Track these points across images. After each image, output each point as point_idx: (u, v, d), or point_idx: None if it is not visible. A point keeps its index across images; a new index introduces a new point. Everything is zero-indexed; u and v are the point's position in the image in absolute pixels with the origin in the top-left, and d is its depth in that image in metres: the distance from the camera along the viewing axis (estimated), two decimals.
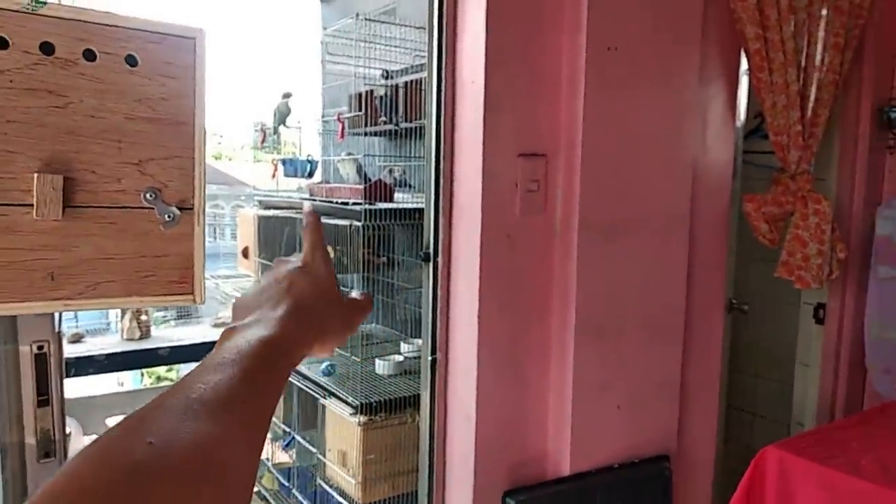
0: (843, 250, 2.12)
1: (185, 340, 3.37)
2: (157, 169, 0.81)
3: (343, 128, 3.03)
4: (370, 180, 2.70)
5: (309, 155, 3.41)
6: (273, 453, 3.11)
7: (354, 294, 0.58)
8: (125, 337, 3.28)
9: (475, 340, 1.59)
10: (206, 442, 0.34)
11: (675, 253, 1.79)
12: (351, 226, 2.58)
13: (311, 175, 3.30)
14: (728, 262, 2.00)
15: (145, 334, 3.29)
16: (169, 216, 0.80)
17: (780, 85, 1.90)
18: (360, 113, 2.97)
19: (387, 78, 2.73)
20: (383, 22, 2.81)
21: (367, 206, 2.50)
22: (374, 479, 2.43)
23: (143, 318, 3.21)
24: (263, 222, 3.21)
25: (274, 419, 3.02)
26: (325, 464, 2.69)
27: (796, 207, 2.02)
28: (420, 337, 2.75)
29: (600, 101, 1.60)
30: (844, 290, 2.29)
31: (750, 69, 1.93)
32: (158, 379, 5.17)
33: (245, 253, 3.30)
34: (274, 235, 3.21)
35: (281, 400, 2.74)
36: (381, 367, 2.74)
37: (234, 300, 0.53)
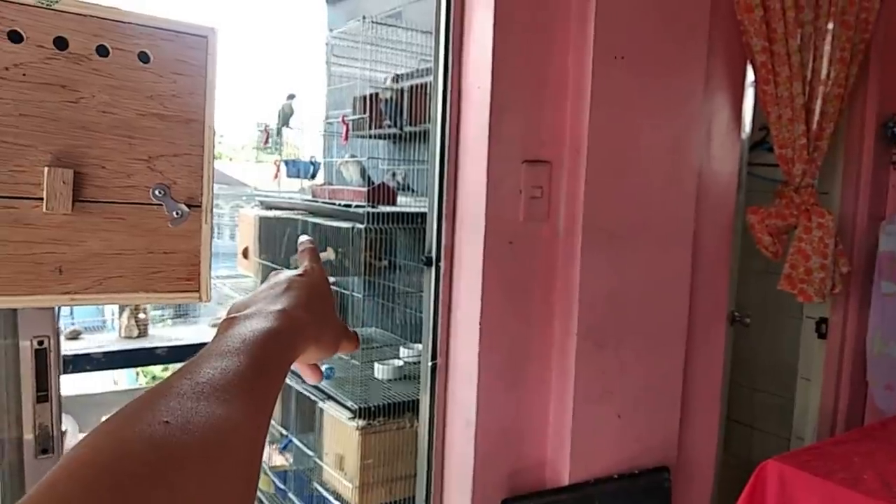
0: (846, 265, 2.12)
1: (183, 340, 3.36)
2: (166, 166, 0.80)
3: (347, 130, 3.03)
4: (373, 183, 2.70)
5: (312, 156, 3.41)
6: (270, 456, 3.10)
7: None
8: (123, 335, 3.26)
9: (476, 346, 1.59)
10: (220, 424, 0.34)
11: (677, 263, 1.79)
12: (353, 228, 2.57)
13: (313, 177, 3.30)
14: (731, 274, 2.00)
15: (143, 333, 3.27)
16: (177, 213, 0.80)
17: (786, 98, 1.91)
18: (364, 116, 2.98)
19: (395, 81, 2.74)
20: (390, 25, 2.81)
21: (369, 209, 2.49)
22: (372, 483, 2.41)
23: (142, 316, 3.19)
24: (264, 223, 3.21)
25: (271, 421, 3.00)
26: (322, 468, 2.67)
27: (800, 221, 2.02)
28: (420, 342, 2.75)
29: (606, 109, 1.60)
30: (847, 305, 2.29)
31: (756, 81, 1.93)
32: (154, 378, 5.15)
33: (245, 253, 3.30)
34: (275, 236, 3.20)
35: (278, 402, 2.73)
36: (381, 371, 2.73)
37: (231, 302, 0.54)
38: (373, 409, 2.44)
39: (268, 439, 3.09)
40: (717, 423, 2.03)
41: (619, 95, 1.62)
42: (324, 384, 2.70)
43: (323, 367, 2.76)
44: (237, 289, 3.70)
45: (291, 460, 2.97)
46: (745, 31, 1.86)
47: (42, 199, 0.76)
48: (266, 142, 3.23)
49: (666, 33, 1.69)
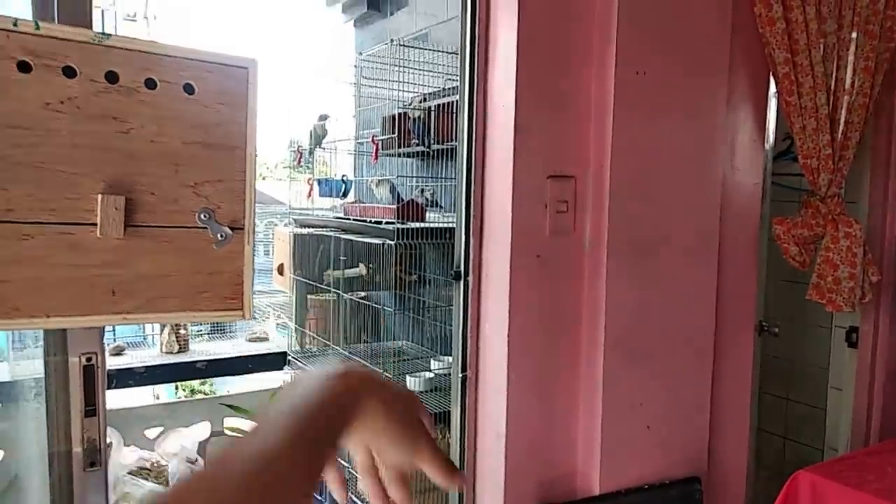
0: (876, 273, 2.10)
1: (221, 354, 3.46)
2: (210, 191, 0.86)
3: (377, 149, 3.10)
4: (402, 200, 2.75)
5: (344, 175, 3.49)
6: None
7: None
8: (164, 350, 3.37)
9: (505, 358, 1.62)
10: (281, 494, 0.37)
11: (703, 274, 1.80)
12: (384, 244, 2.63)
13: (345, 195, 3.38)
14: (758, 284, 2.00)
15: (184, 348, 3.37)
16: (221, 235, 0.86)
17: (810, 108, 1.92)
18: (393, 135, 3.05)
19: (423, 101, 2.80)
20: (416, 47, 2.88)
21: (399, 226, 2.55)
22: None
23: (182, 332, 3.30)
24: (299, 239, 3.29)
25: None
26: (356, 478, 2.72)
27: (827, 230, 2.02)
28: (449, 354, 2.79)
29: (629, 124, 1.63)
30: (878, 314, 2.26)
31: (779, 93, 1.94)
32: (192, 392, 5.26)
33: (280, 270, 3.38)
34: (309, 252, 3.28)
35: None
36: (412, 383, 2.77)
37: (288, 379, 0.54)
38: None
39: None
40: (748, 432, 2.02)
41: (642, 110, 1.65)
42: None
43: None
44: (272, 305, 3.78)
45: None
46: (766, 43, 1.88)
47: (96, 224, 0.82)
48: (299, 162, 3.32)
49: (688, 47, 1.71)
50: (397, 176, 3.11)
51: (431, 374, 2.83)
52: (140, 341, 3.90)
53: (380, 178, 3.03)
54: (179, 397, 5.20)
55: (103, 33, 0.85)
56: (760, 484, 2.18)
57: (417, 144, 2.91)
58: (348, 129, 3.59)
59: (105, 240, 0.82)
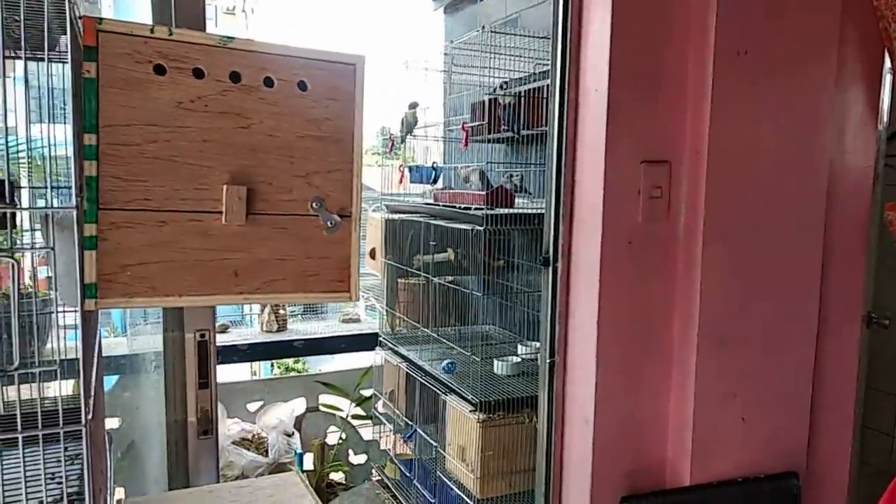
0: None
1: (317, 334, 3.64)
2: (321, 181, 0.92)
3: (467, 136, 3.14)
4: (492, 186, 2.78)
5: (434, 162, 3.55)
6: (396, 444, 3.27)
7: None
8: (264, 329, 3.58)
9: (594, 345, 1.62)
10: None
11: (806, 262, 1.73)
12: (472, 230, 2.67)
13: (435, 181, 3.44)
14: (867, 272, 1.90)
15: (282, 327, 3.57)
16: (331, 223, 0.92)
17: None
18: (483, 122, 3.07)
19: (519, 84, 2.81)
20: (507, 33, 2.88)
21: (488, 212, 2.58)
22: (492, 475, 2.50)
23: (282, 311, 3.49)
24: (390, 225, 3.39)
25: (397, 412, 3.17)
26: (444, 458, 2.80)
27: None
28: (536, 339, 2.80)
29: (728, 106, 1.58)
30: None
31: (893, 69, 1.83)
32: (287, 369, 5.53)
33: (372, 254, 3.50)
34: (399, 237, 3.38)
35: (403, 394, 2.87)
36: (499, 367, 2.81)
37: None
38: (493, 403, 2.52)
39: (393, 428, 3.27)
40: (851, 428, 1.93)
41: (743, 92, 1.60)
42: (446, 378, 2.82)
43: (445, 363, 2.89)
44: (365, 288, 3.93)
45: (416, 449, 3.12)
46: (881, 16, 1.76)
47: (221, 212, 0.90)
48: (391, 149, 3.41)
49: (794, 24, 1.63)
50: (487, 162, 3.13)
51: (519, 359, 2.86)
52: (239, 320, 4.14)
53: (466, 166, 3.06)
54: (275, 374, 5.48)
55: (227, 36, 0.92)
56: (864, 482, 2.08)
57: (507, 130, 2.92)
58: (437, 117, 3.65)
59: (229, 226, 0.90)
